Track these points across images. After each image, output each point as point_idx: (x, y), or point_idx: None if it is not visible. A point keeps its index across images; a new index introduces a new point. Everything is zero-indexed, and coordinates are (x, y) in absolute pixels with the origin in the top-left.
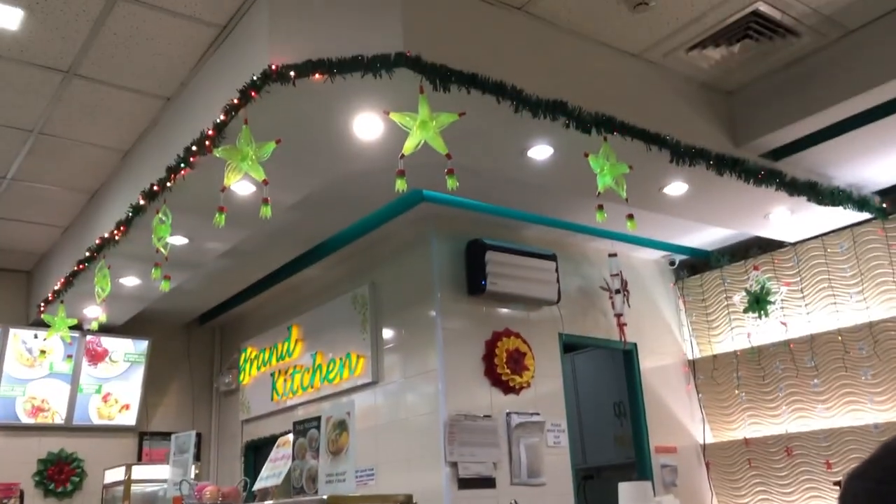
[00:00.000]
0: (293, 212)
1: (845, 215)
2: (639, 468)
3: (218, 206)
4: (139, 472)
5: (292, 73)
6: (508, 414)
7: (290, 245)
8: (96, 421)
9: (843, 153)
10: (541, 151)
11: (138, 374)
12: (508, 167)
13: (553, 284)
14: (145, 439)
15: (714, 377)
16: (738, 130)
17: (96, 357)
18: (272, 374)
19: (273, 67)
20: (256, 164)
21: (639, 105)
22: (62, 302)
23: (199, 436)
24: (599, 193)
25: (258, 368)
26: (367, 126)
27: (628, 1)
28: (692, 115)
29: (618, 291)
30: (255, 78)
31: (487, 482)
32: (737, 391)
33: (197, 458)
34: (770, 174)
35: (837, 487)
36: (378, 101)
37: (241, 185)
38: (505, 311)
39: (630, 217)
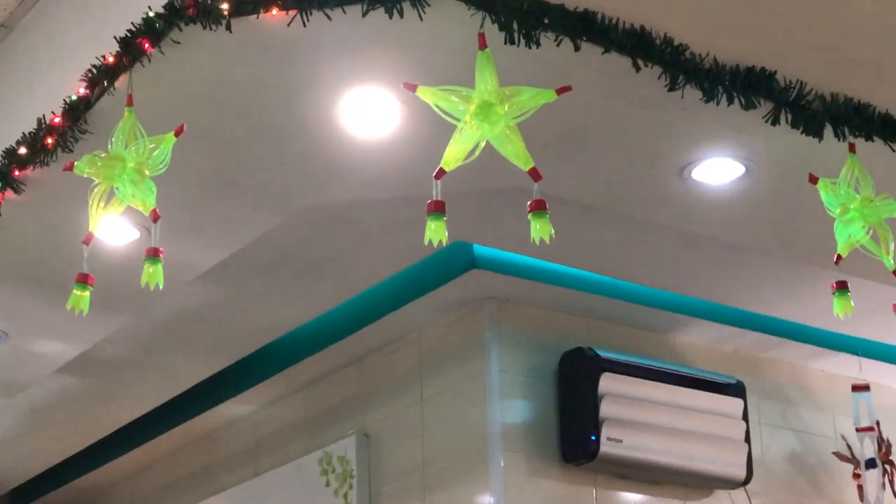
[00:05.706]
0: (210, 286)
1: None
2: None
3: (78, 272)
4: None
5: (225, 6)
6: None
7: (202, 353)
8: None
9: None
10: (718, 170)
11: None
12: (650, 200)
13: (738, 445)
14: None
15: None
16: None
17: None
18: None
19: None
20: (147, 182)
21: None
22: None
23: None
24: (839, 259)
25: None
26: (369, 113)
27: None
28: None
29: (871, 463)
30: (151, 13)
31: None
32: None
33: None
34: None
35: None
36: (393, 62)
37: (110, 229)
38: (638, 498)
39: None
